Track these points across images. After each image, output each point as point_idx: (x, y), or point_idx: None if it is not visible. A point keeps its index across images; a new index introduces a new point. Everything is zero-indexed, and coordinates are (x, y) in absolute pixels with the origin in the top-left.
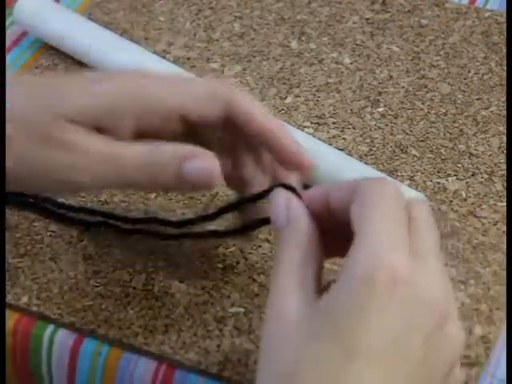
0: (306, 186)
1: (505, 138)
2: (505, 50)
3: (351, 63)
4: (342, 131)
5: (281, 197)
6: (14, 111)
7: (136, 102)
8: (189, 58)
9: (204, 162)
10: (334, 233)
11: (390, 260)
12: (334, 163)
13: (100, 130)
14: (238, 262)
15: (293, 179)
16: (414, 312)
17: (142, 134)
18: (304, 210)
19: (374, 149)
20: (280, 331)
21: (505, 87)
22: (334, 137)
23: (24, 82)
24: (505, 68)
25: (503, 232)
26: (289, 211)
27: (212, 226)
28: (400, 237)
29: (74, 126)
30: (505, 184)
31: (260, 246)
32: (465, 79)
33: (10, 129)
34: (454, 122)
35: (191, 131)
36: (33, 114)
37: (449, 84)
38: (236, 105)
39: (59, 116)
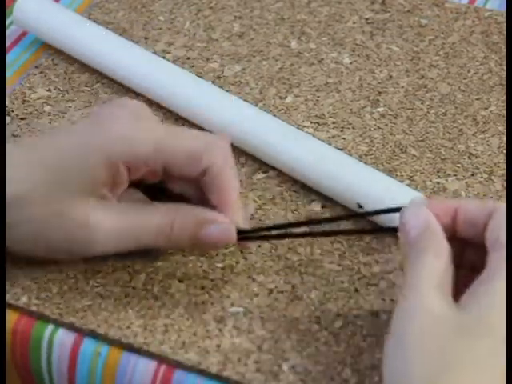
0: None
1: (504, 138)
2: (504, 50)
3: (351, 63)
4: (341, 131)
5: (414, 206)
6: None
7: (127, 155)
8: (188, 58)
9: (221, 226)
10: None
11: None
12: (334, 163)
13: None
14: (237, 262)
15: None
16: None
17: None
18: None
19: (374, 149)
20: (425, 327)
21: (504, 87)
22: (333, 136)
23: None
24: (504, 68)
25: None
26: (423, 218)
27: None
28: None
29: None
30: (504, 184)
31: (260, 246)
32: (464, 79)
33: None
34: (453, 121)
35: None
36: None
37: (448, 84)
38: (214, 174)
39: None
